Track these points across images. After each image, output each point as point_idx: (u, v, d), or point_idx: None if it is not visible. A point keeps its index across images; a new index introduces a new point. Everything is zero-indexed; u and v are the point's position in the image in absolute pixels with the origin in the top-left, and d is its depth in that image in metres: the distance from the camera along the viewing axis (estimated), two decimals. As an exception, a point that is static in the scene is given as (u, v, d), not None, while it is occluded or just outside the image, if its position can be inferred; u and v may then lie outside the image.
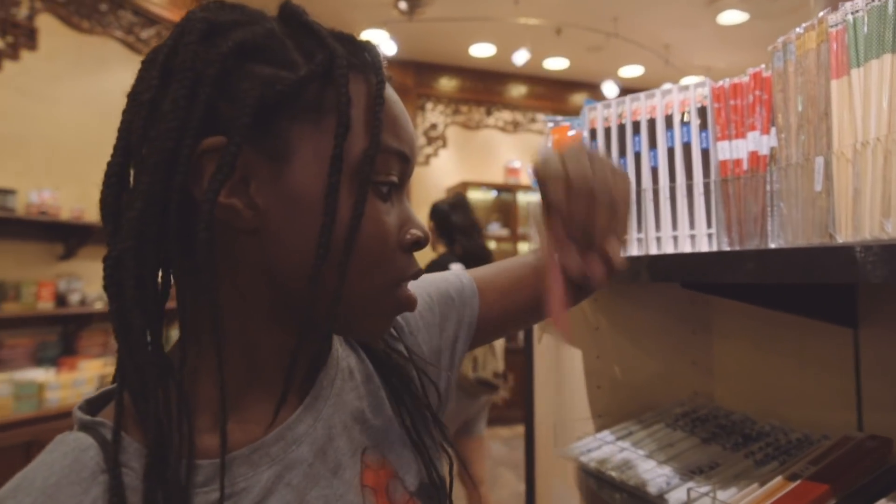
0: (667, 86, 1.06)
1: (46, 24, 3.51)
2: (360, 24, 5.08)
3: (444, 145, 6.09)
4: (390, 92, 0.48)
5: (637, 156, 1.06)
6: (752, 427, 1.00)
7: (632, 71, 6.12)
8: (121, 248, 0.41)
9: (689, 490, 0.76)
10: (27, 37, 3.36)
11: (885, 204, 0.67)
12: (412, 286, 0.53)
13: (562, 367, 1.26)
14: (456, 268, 2.73)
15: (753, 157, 0.93)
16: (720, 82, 0.98)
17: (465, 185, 5.89)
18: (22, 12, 3.35)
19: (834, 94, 0.75)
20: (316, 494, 0.46)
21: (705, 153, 0.98)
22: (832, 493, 0.71)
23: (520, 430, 4.22)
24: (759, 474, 0.84)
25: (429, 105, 6.04)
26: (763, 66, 0.91)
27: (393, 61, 5.68)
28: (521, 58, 5.19)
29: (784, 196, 0.84)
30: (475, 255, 2.78)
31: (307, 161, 0.43)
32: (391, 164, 0.47)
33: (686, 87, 1.01)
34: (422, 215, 4.56)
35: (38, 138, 3.59)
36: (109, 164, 0.43)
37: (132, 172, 0.43)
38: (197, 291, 0.44)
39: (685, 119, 1.00)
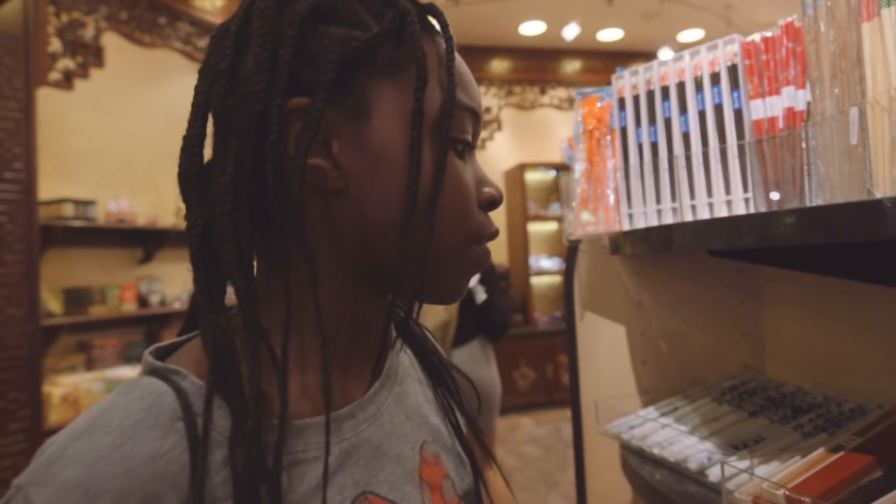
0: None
1: (111, 42, 3.71)
2: (408, 14, 5.10)
3: (500, 128, 6.03)
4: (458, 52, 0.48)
5: (667, 122, 1.02)
6: (804, 399, 0.95)
7: (691, 35, 5.85)
8: (217, 213, 0.41)
9: (723, 465, 0.73)
10: (95, 56, 3.57)
11: (923, 153, 0.61)
12: None
13: (605, 345, 1.24)
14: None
15: (789, 113, 0.88)
16: (750, 37, 0.93)
17: (523, 167, 5.83)
18: (88, 32, 3.55)
19: (866, 38, 0.70)
20: (381, 478, 0.46)
21: (738, 114, 0.93)
22: (877, 464, 0.67)
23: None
24: (806, 447, 0.80)
25: (481, 88, 6.00)
26: (795, 16, 0.86)
27: (442, 47, 5.68)
28: (571, 32, 5.07)
29: (820, 153, 0.79)
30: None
31: (388, 118, 0.44)
32: (465, 122, 0.47)
33: (715, 46, 0.96)
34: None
35: (113, 150, 3.82)
36: (187, 136, 0.43)
37: (214, 141, 0.43)
38: (286, 256, 0.43)
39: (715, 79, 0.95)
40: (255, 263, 0.44)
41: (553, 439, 4.67)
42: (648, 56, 5.94)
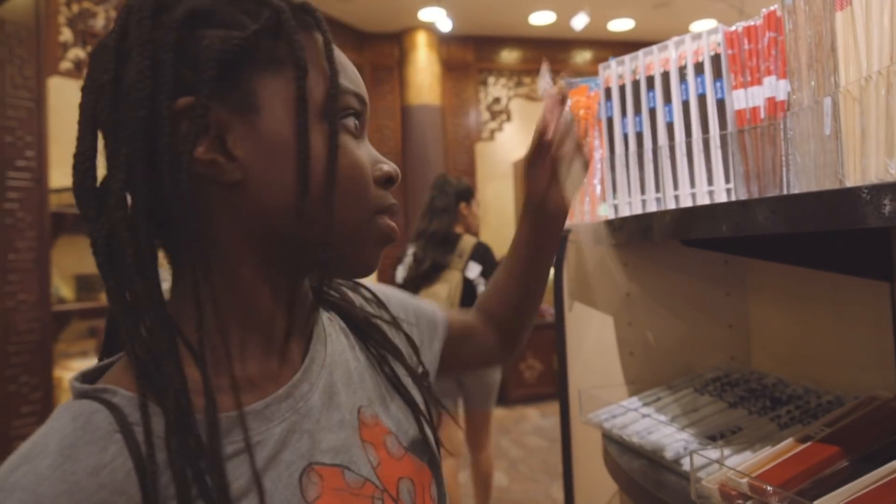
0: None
1: (122, 32, 3.74)
2: (417, 3, 5.08)
3: (509, 119, 6.01)
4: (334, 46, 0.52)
5: (652, 112, 1.01)
6: (784, 390, 0.95)
7: (703, 25, 5.77)
8: (112, 221, 0.42)
9: (692, 454, 0.73)
10: (105, 45, 3.61)
11: (890, 143, 0.61)
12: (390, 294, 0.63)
13: (593, 335, 1.24)
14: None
15: (770, 103, 0.87)
16: (734, 27, 0.92)
17: (532, 158, 5.80)
18: (99, 22, 3.59)
19: (839, 28, 0.69)
20: (324, 447, 0.49)
21: (720, 104, 0.93)
22: (843, 454, 0.67)
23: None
24: (780, 437, 0.81)
25: (490, 79, 5.98)
26: (776, 5, 0.85)
27: (451, 37, 5.66)
28: (579, 22, 5.02)
29: (798, 143, 0.78)
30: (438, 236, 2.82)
31: (275, 108, 0.46)
32: (350, 102, 0.50)
33: (699, 36, 0.95)
34: (489, 191, 4.57)
35: (123, 140, 3.86)
36: (77, 154, 0.45)
37: (105, 153, 0.45)
38: (192, 251, 0.45)
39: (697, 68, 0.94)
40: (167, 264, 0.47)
41: (558, 431, 4.68)
42: (660, 46, 5.88)
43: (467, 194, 2.98)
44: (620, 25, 5.81)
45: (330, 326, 0.58)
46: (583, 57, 6.16)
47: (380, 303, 0.66)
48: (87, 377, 0.47)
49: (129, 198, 0.43)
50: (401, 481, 0.53)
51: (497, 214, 6.06)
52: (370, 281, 0.67)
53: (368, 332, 0.61)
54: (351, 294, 0.65)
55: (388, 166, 0.52)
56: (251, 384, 0.47)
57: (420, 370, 0.65)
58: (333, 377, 0.53)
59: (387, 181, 0.52)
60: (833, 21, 0.70)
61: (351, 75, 0.51)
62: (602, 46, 6.14)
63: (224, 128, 0.45)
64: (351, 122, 0.50)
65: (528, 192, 0.78)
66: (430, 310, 0.74)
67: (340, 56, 0.51)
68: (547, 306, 5.97)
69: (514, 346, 0.83)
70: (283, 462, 0.46)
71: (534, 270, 0.80)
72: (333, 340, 0.57)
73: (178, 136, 0.44)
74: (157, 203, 0.43)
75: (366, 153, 0.51)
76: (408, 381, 0.60)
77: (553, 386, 5.61)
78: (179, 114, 0.43)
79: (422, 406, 0.60)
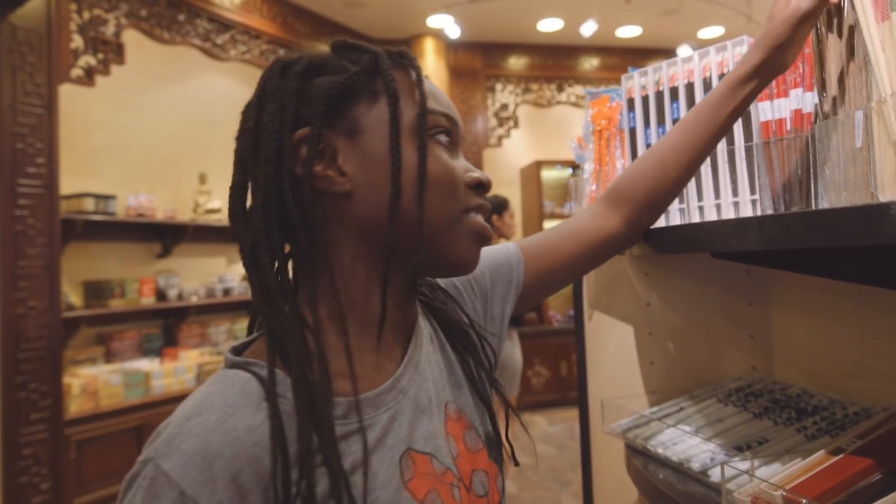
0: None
1: (132, 39, 3.77)
2: (426, 10, 5.10)
3: (516, 125, 6.02)
4: (428, 79, 0.61)
5: (676, 122, 1.01)
6: (809, 401, 0.95)
7: (711, 32, 5.79)
8: (254, 235, 0.53)
9: (723, 466, 0.73)
10: (115, 52, 3.63)
11: (925, 157, 0.61)
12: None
13: (613, 345, 1.24)
14: None
15: (797, 115, 0.87)
16: (759, 39, 0.92)
17: (539, 165, 5.81)
18: (109, 29, 3.61)
19: (873, 41, 0.69)
20: (418, 436, 0.56)
21: (746, 115, 0.93)
22: (877, 467, 0.67)
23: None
24: (808, 449, 0.80)
25: (498, 86, 5.99)
26: (804, 17, 0.85)
27: (459, 44, 5.68)
28: (588, 29, 5.04)
29: (827, 156, 0.79)
30: None
31: (374, 130, 0.56)
32: (439, 120, 0.59)
33: (724, 47, 0.96)
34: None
35: (133, 146, 3.88)
36: (232, 186, 0.56)
37: (251, 185, 0.55)
38: (318, 256, 0.55)
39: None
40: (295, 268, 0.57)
41: (566, 438, 4.67)
42: (667, 53, 5.90)
43: (500, 207, 3.37)
44: (628, 32, 5.82)
45: (424, 325, 0.65)
46: (590, 63, 6.17)
47: (452, 299, 0.72)
48: (236, 351, 0.56)
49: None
50: (475, 473, 0.60)
51: (503, 221, 6.07)
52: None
53: (454, 332, 0.68)
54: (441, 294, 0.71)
55: (479, 173, 0.60)
56: (364, 374, 0.55)
57: (494, 366, 0.71)
58: (427, 373, 0.61)
59: (477, 186, 0.60)
60: (868, 34, 0.70)
61: (441, 99, 0.60)
62: (610, 53, 6.16)
63: (335, 149, 0.55)
64: (443, 137, 0.58)
65: (773, 35, 0.75)
66: (507, 257, 0.77)
67: (431, 85, 0.60)
68: (554, 312, 5.97)
69: (643, 228, 0.84)
70: (387, 445, 0.54)
71: (723, 133, 0.80)
72: (426, 339, 0.64)
73: (298, 159, 0.54)
74: (288, 208, 0.53)
75: (458, 163, 0.60)
76: (483, 380, 0.67)
77: (561, 393, 5.61)
78: (300, 142, 0.54)
79: (491, 402, 0.67)
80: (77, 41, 3.45)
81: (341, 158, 0.55)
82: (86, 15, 3.50)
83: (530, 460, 4.23)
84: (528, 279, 0.77)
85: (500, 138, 5.97)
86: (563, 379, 5.64)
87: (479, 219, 0.60)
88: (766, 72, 0.76)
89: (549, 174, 5.94)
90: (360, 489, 0.50)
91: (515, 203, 6.12)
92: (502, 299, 0.76)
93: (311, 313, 0.53)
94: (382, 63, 0.57)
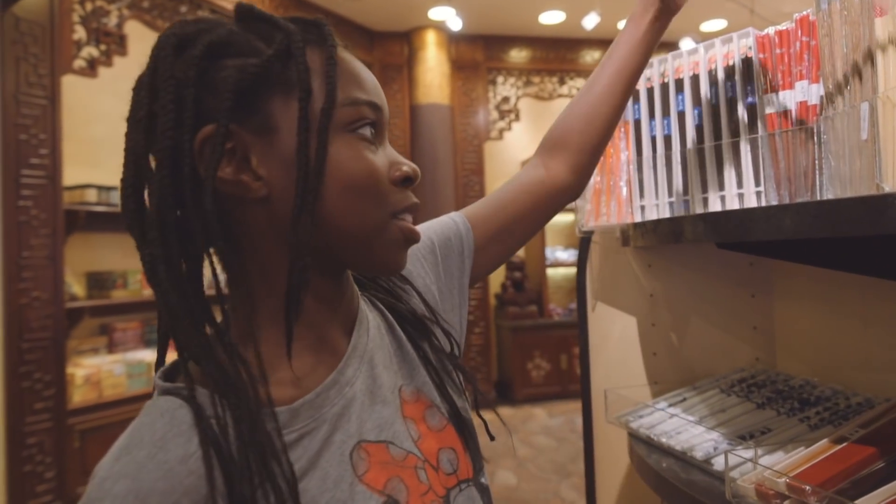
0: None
1: (134, 30, 3.76)
2: (427, 2, 5.08)
3: (517, 118, 6.01)
4: (347, 55, 0.54)
5: (681, 115, 1.02)
6: (812, 392, 0.96)
7: (714, 25, 5.77)
8: (150, 244, 0.47)
9: (727, 454, 0.74)
10: (118, 43, 3.62)
11: (931, 149, 0.62)
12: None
13: (616, 336, 1.25)
14: None
15: (802, 107, 0.88)
16: (766, 31, 0.93)
17: (540, 158, 5.80)
18: (112, 21, 3.60)
19: (878, 33, 0.70)
20: (370, 426, 0.54)
21: (751, 107, 0.93)
22: (879, 455, 0.68)
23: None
24: (811, 438, 0.81)
25: (500, 78, 5.98)
26: (810, 10, 0.86)
27: (461, 36, 5.66)
28: (590, 22, 5.02)
29: (832, 148, 0.79)
30: None
31: (290, 128, 0.49)
32: (362, 112, 0.52)
33: (729, 39, 0.96)
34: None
35: (135, 137, 3.88)
36: (123, 180, 0.49)
37: (145, 182, 0.48)
38: (235, 265, 0.51)
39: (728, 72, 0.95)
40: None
41: (566, 430, 4.69)
42: (670, 46, 5.88)
43: None
44: (629, 25, 5.80)
45: (369, 311, 0.62)
46: (592, 56, 6.16)
47: (406, 282, 0.69)
48: (167, 374, 0.52)
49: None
50: (441, 451, 0.58)
51: (505, 214, 6.07)
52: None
53: (404, 318, 0.65)
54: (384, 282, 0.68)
55: (407, 167, 0.55)
56: (303, 376, 0.52)
57: (456, 348, 0.68)
58: (374, 360, 0.58)
59: (405, 181, 0.54)
60: (872, 27, 0.71)
61: (365, 84, 0.53)
62: (611, 46, 6.14)
63: (248, 149, 0.49)
64: (366, 130, 0.52)
65: None
66: (453, 228, 0.74)
67: (353, 64, 0.54)
68: (554, 306, 5.98)
69: (586, 175, 0.82)
70: (335, 442, 0.51)
71: (636, 70, 0.80)
72: (374, 328, 0.61)
73: (203, 160, 0.48)
74: (200, 219, 0.48)
75: (383, 158, 0.54)
76: (439, 358, 0.64)
77: (561, 385, 5.62)
78: (204, 142, 0.48)
79: (455, 387, 0.64)
80: (80, 32, 3.44)
81: (255, 160, 0.49)
82: (88, 6, 3.49)
83: (528, 451, 4.26)
84: (480, 244, 0.74)
85: (501, 131, 5.96)
86: (563, 372, 5.66)
87: (408, 222, 0.55)
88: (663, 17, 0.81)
89: (550, 167, 5.93)
90: (312, 494, 0.48)
91: (517, 196, 6.12)
92: (458, 271, 0.73)
93: (233, 327, 0.50)
94: (295, 45, 0.49)
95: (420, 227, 0.72)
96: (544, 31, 5.88)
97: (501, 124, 5.97)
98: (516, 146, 6.08)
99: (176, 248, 0.48)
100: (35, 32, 3.07)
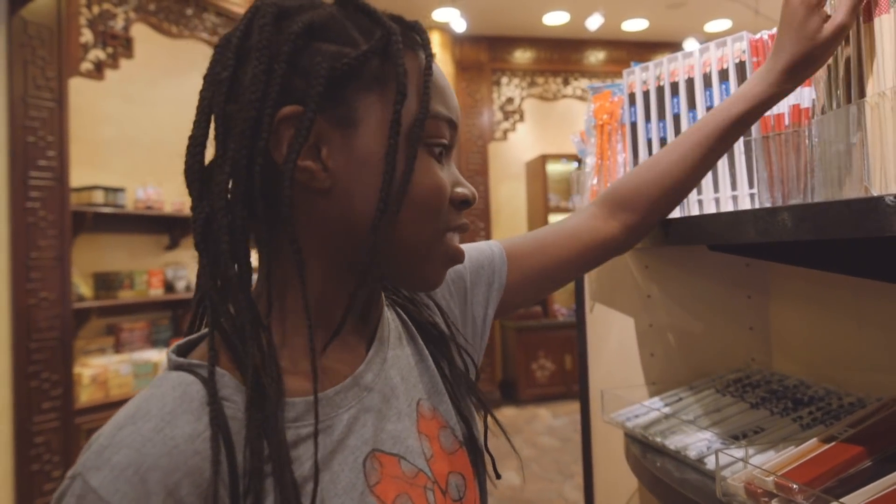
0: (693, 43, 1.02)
1: (140, 33, 3.79)
2: (431, 3, 5.10)
3: (522, 119, 6.02)
4: (437, 66, 0.53)
5: (676, 118, 1.03)
6: (805, 392, 0.97)
7: (718, 25, 5.76)
8: (214, 207, 0.46)
9: (717, 453, 0.75)
10: (124, 46, 3.65)
11: (916, 152, 0.63)
12: None
13: (614, 336, 1.26)
14: None
15: (795, 110, 0.89)
16: (759, 34, 0.94)
17: (545, 158, 5.81)
18: (118, 24, 3.64)
19: (866, 38, 0.71)
20: (385, 436, 0.52)
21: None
22: (867, 454, 0.69)
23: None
24: (802, 438, 0.82)
25: (504, 79, 5.99)
26: (802, 13, 0.86)
27: (465, 37, 5.67)
28: (594, 22, 5.03)
29: (822, 150, 0.80)
30: None
31: (372, 127, 0.49)
32: (442, 130, 0.52)
33: (724, 43, 0.97)
34: (501, 191, 4.61)
35: (141, 139, 3.91)
36: (192, 136, 0.48)
37: (215, 143, 0.48)
38: (279, 248, 0.49)
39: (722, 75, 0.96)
40: (255, 254, 0.49)
41: (570, 431, 4.69)
42: (673, 47, 5.88)
43: None
44: (634, 26, 5.80)
45: (393, 323, 0.61)
46: (597, 57, 6.16)
47: (429, 297, 0.67)
48: (181, 350, 0.51)
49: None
50: (451, 475, 0.55)
51: (509, 215, 6.08)
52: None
53: (427, 333, 0.63)
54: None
55: (467, 190, 0.54)
56: (322, 372, 0.50)
57: (472, 372, 0.66)
58: (393, 371, 0.56)
59: (462, 203, 0.54)
60: (860, 31, 0.72)
61: (448, 100, 0.53)
62: (616, 46, 6.14)
63: (322, 139, 0.48)
64: (441, 146, 0.52)
65: (795, 42, 0.71)
66: (489, 258, 0.72)
67: (441, 78, 0.53)
68: (559, 306, 5.98)
69: (639, 236, 0.80)
70: (349, 447, 0.49)
71: (728, 143, 0.77)
72: (395, 337, 0.60)
73: (281, 140, 0.47)
74: (256, 197, 0.46)
75: (448, 175, 0.53)
76: (458, 383, 0.62)
77: (565, 385, 5.63)
78: (285, 120, 0.47)
79: (469, 409, 0.62)
80: (87, 35, 3.47)
81: (326, 151, 0.48)
82: (95, 9, 3.52)
83: (532, 452, 4.27)
84: (513, 279, 0.72)
85: (505, 132, 5.97)
86: (567, 372, 5.66)
87: (456, 241, 0.55)
88: (787, 89, 0.75)
89: (554, 168, 5.94)
90: (319, 496, 0.46)
91: (521, 197, 6.13)
92: (484, 301, 0.71)
93: (268, 308, 0.47)
94: (395, 46, 0.48)
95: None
96: (548, 31, 5.89)
97: (506, 125, 5.98)
98: (520, 147, 6.08)
99: (241, 221, 0.46)
100: (43, 36, 3.10)
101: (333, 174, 0.48)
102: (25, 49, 3.01)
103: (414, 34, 0.52)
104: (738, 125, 0.76)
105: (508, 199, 6.09)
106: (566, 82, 6.14)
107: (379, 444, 0.51)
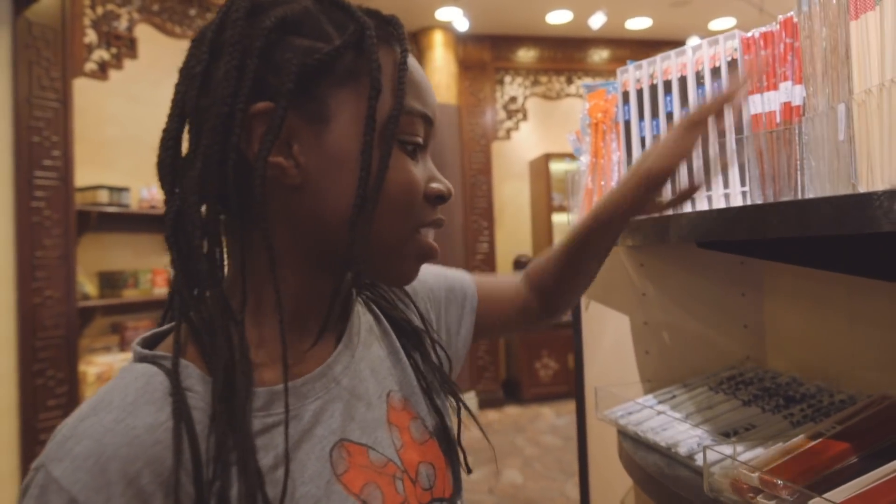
0: (695, 41, 1.02)
1: (144, 34, 3.81)
2: (434, 3, 5.10)
3: (525, 118, 6.02)
4: (413, 61, 0.52)
5: (669, 116, 1.03)
6: (797, 389, 0.97)
7: (722, 23, 5.74)
8: (185, 202, 0.46)
9: (705, 450, 0.76)
10: (128, 47, 3.67)
11: (900, 150, 0.63)
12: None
13: (609, 334, 1.27)
14: None
15: (786, 108, 0.89)
16: (750, 32, 0.94)
17: (548, 157, 5.81)
18: (122, 24, 3.66)
19: (853, 36, 0.71)
20: (354, 426, 0.53)
21: (738, 108, 0.94)
22: (853, 451, 0.69)
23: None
24: (792, 435, 0.83)
25: (507, 78, 5.98)
26: (793, 11, 0.87)
27: (468, 36, 5.67)
28: (597, 21, 5.02)
29: (812, 148, 0.80)
30: None
31: (345, 123, 0.49)
32: (416, 126, 0.52)
33: (716, 41, 0.97)
34: (504, 190, 4.61)
35: (146, 139, 3.92)
36: (165, 130, 0.49)
37: (188, 137, 0.48)
38: (251, 242, 0.50)
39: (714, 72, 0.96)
40: (226, 249, 0.50)
41: (573, 429, 4.67)
42: (677, 45, 5.84)
43: None
44: (638, 24, 5.79)
45: (364, 318, 0.62)
46: (600, 56, 6.15)
47: (409, 298, 0.68)
48: (147, 342, 0.51)
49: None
50: (421, 465, 0.56)
51: (513, 213, 6.08)
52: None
53: (400, 326, 0.64)
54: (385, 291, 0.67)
55: (442, 185, 0.54)
56: (291, 360, 0.50)
57: (444, 364, 0.67)
58: (363, 364, 0.57)
59: (437, 198, 0.54)
60: (848, 28, 0.72)
61: (424, 95, 0.53)
62: (619, 45, 6.13)
63: (294, 135, 0.48)
64: (415, 142, 0.52)
65: (660, 155, 0.71)
66: (461, 281, 0.75)
67: (418, 72, 0.53)
68: (562, 305, 5.98)
69: (555, 314, 0.82)
70: (316, 436, 0.50)
71: (605, 245, 0.77)
72: (366, 331, 0.60)
73: (253, 136, 0.47)
74: (230, 192, 0.47)
75: (422, 171, 0.53)
76: (431, 375, 0.63)
77: (568, 385, 5.62)
78: (257, 116, 0.47)
79: (443, 402, 0.63)
80: (91, 36, 3.50)
81: (298, 147, 0.48)
82: (99, 10, 3.54)
83: (535, 450, 4.27)
84: (479, 310, 0.75)
85: (508, 131, 5.97)
86: (570, 372, 5.65)
87: (430, 237, 0.55)
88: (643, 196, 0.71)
89: (558, 167, 5.93)
90: (286, 484, 0.46)
91: (524, 196, 6.12)
92: (457, 319, 0.72)
93: (242, 302, 0.47)
94: (369, 40, 0.48)
95: (436, 269, 0.74)
96: (551, 30, 5.88)
97: (509, 124, 5.97)
98: (524, 146, 6.08)
99: (213, 216, 0.47)
100: (47, 36, 3.12)
101: (305, 170, 0.48)
102: (30, 50, 3.04)
103: (390, 28, 0.51)
104: (605, 230, 0.74)
105: (512, 198, 6.09)
106: (570, 81, 6.12)
107: (347, 433, 0.52)
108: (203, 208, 0.47)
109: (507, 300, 0.79)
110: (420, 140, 0.52)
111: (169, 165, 0.48)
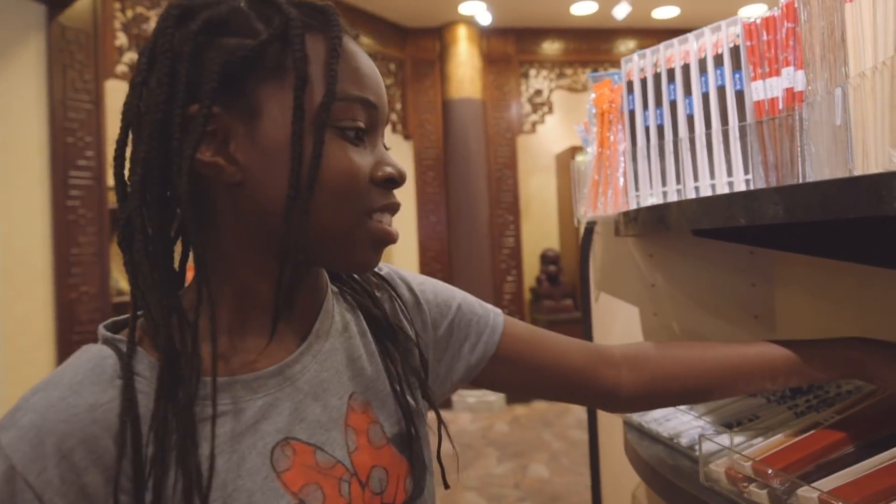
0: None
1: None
2: (458, -2, 5.10)
3: (550, 111, 5.97)
4: (352, 46, 0.53)
5: (673, 104, 1.02)
6: (804, 380, 0.95)
7: (753, 10, 5.60)
8: (128, 210, 0.49)
9: (700, 439, 0.75)
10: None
11: (893, 133, 0.62)
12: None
13: (619, 325, 1.26)
14: None
15: (789, 94, 0.88)
16: (753, 18, 0.92)
17: (574, 151, 5.75)
18: (151, 26, 3.75)
19: (848, 19, 0.70)
20: (304, 426, 0.53)
21: (739, 95, 0.93)
22: (849, 440, 0.68)
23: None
24: (794, 425, 0.82)
25: (532, 71, 5.95)
26: (796, -5, 0.85)
27: (491, 30, 5.66)
28: (621, 11, 4.95)
29: (812, 133, 0.79)
30: None
31: (275, 116, 0.49)
32: (355, 111, 0.51)
33: (718, 27, 0.96)
34: (531, 184, 4.57)
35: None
36: (116, 142, 0.51)
37: (132, 147, 0.50)
38: (207, 240, 0.51)
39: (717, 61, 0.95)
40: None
41: (600, 424, 4.66)
42: (707, 33, 5.72)
43: None
44: (665, 13, 5.69)
45: (339, 316, 0.61)
46: (626, 46, 6.06)
47: (418, 306, 0.66)
48: (112, 326, 0.53)
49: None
50: (374, 469, 0.55)
51: (539, 207, 6.04)
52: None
53: (381, 330, 0.62)
54: (378, 292, 0.65)
55: (392, 168, 0.54)
56: (245, 357, 0.53)
57: (424, 375, 0.64)
58: (327, 364, 0.57)
59: (388, 182, 0.54)
60: (843, 11, 0.71)
61: (362, 79, 0.52)
62: (646, 35, 6.03)
63: (230, 133, 0.49)
64: (353, 129, 0.51)
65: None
66: (486, 313, 0.70)
67: (356, 57, 0.52)
68: (590, 299, 5.94)
69: (651, 406, 0.76)
70: (260, 431, 0.51)
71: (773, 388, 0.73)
72: (338, 330, 0.60)
73: (190, 138, 0.48)
74: (178, 195, 0.49)
75: (368, 157, 0.53)
76: (408, 382, 0.61)
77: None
78: (191, 119, 0.48)
79: (416, 408, 0.61)
80: (121, 38, 3.59)
81: (234, 144, 0.49)
82: (129, 13, 3.64)
83: (562, 445, 4.25)
84: (501, 354, 0.67)
85: (534, 124, 5.94)
86: (599, 365, 5.60)
87: (383, 222, 0.54)
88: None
89: (584, 160, 5.87)
90: (221, 477, 0.47)
91: (551, 189, 6.08)
92: (459, 344, 0.67)
93: (198, 297, 0.49)
94: (294, 30, 0.48)
95: (457, 293, 0.70)
96: (576, 22, 5.82)
97: (534, 117, 5.94)
98: (549, 139, 6.04)
99: (156, 217, 0.49)
100: (80, 40, 3.22)
101: (243, 167, 0.49)
102: (64, 54, 3.14)
103: (321, 16, 0.51)
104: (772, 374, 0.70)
105: (538, 191, 6.05)
106: (595, 72, 6.06)
107: (295, 432, 0.52)
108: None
109: (562, 366, 0.69)
110: (361, 125, 0.52)
111: (120, 175, 0.51)
